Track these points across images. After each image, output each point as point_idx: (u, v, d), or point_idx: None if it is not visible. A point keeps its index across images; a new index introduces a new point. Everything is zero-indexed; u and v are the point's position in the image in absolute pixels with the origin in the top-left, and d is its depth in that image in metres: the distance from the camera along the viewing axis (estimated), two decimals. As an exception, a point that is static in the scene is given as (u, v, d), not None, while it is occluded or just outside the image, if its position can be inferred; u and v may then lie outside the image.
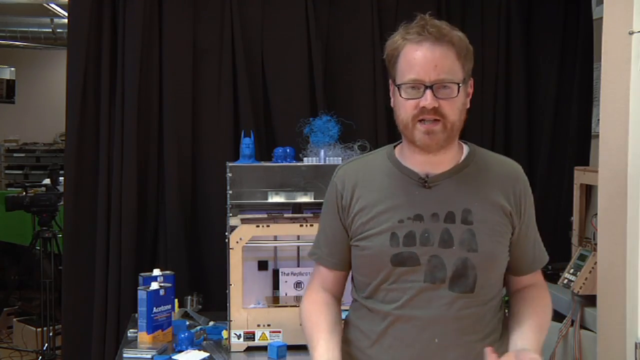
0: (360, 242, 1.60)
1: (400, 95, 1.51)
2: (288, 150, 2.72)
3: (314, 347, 1.58)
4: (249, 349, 2.39)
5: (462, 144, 1.65)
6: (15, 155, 7.73)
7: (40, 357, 4.36)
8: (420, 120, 1.49)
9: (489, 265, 1.55)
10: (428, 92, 1.47)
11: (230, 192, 2.57)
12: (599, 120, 2.22)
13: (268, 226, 2.41)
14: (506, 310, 1.70)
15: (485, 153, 1.66)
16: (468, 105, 1.56)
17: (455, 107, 1.50)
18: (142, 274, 2.68)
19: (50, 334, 4.26)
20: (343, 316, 1.73)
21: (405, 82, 1.49)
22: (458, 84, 1.49)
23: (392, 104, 1.58)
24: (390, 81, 1.59)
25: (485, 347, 1.48)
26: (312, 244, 1.77)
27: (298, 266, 2.53)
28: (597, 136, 2.19)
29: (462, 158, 1.61)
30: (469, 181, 1.58)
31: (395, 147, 1.66)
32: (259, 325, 2.39)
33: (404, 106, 1.51)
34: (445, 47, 1.48)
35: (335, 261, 1.69)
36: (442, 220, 1.54)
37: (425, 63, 1.47)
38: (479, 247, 1.53)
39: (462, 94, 1.51)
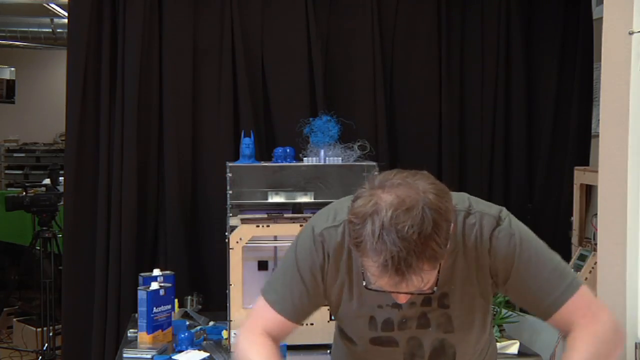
0: (338, 318, 1.56)
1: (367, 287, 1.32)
2: (288, 150, 2.72)
3: None
4: (249, 349, 2.39)
5: None
6: (15, 155, 7.70)
7: (40, 357, 4.36)
8: None
9: (466, 339, 1.53)
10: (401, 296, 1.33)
11: (230, 192, 2.57)
12: (599, 120, 2.22)
13: (268, 226, 2.41)
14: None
15: (457, 228, 1.42)
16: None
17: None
18: (142, 274, 2.68)
19: (50, 334, 4.26)
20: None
21: (375, 288, 1.30)
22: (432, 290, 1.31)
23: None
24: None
25: None
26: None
27: (298, 266, 2.52)
28: (597, 136, 2.19)
29: None
30: (445, 266, 1.37)
31: None
32: (259, 325, 2.39)
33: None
34: (419, 276, 1.25)
35: (293, 310, 1.48)
36: (419, 305, 1.48)
37: (395, 291, 1.28)
38: (455, 328, 1.50)
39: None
